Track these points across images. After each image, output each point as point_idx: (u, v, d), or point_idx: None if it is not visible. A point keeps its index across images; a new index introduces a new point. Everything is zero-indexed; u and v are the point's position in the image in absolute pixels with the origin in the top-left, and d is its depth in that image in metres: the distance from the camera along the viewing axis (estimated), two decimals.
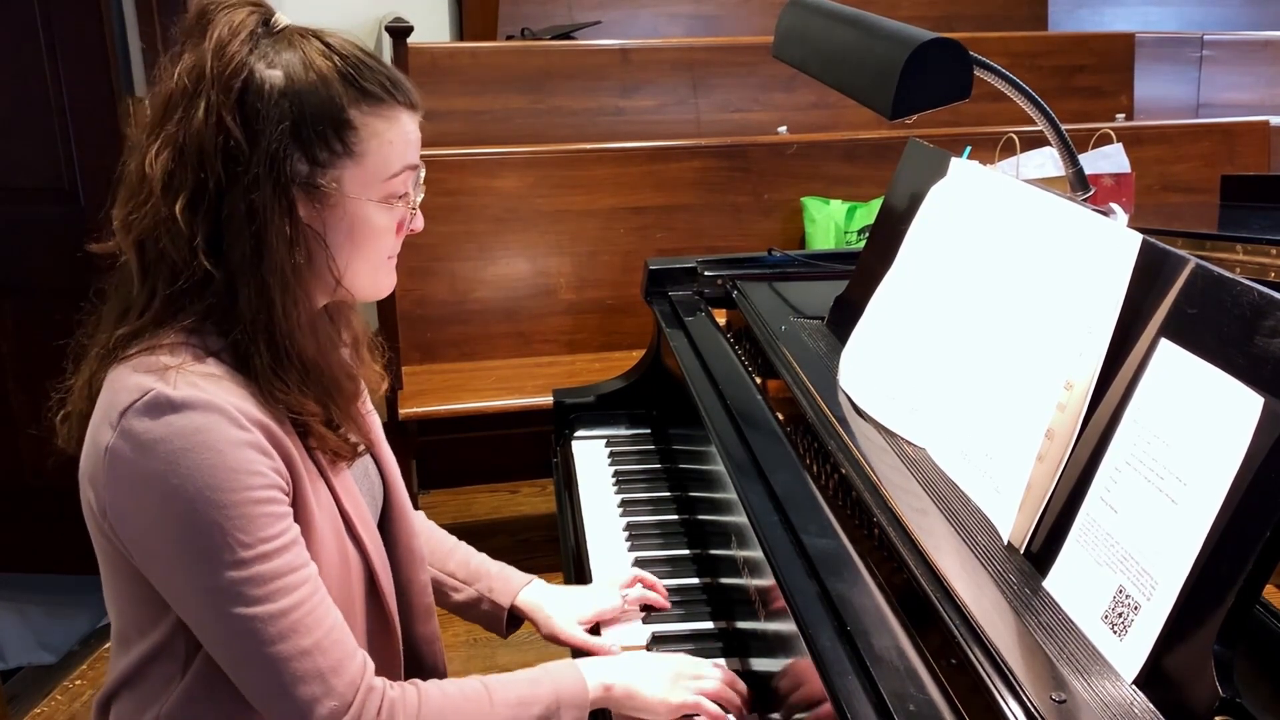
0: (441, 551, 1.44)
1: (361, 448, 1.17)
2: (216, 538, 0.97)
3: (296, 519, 1.05)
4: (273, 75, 1.02)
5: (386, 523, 1.27)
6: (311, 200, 1.05)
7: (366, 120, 1.05)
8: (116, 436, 0.99)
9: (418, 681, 1.11)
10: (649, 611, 1.42)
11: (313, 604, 1.02)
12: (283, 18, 1.08)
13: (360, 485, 1.21)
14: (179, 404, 0.98)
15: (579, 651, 1.36)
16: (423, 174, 1.15)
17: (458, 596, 1.42)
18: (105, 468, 1.00)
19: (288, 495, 1.04)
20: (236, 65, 1.01)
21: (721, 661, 1.26)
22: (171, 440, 0.97)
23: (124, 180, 1.06)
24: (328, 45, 1.06)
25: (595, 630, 1.39)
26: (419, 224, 1.15)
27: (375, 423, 1.30)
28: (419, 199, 1.13)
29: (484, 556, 1.46)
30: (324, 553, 1.09)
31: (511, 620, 1.43)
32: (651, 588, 1.42)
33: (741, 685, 1.22)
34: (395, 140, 1.07)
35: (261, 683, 1.02)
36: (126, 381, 1.01)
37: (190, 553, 0.98)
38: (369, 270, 1.11)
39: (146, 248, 1.04)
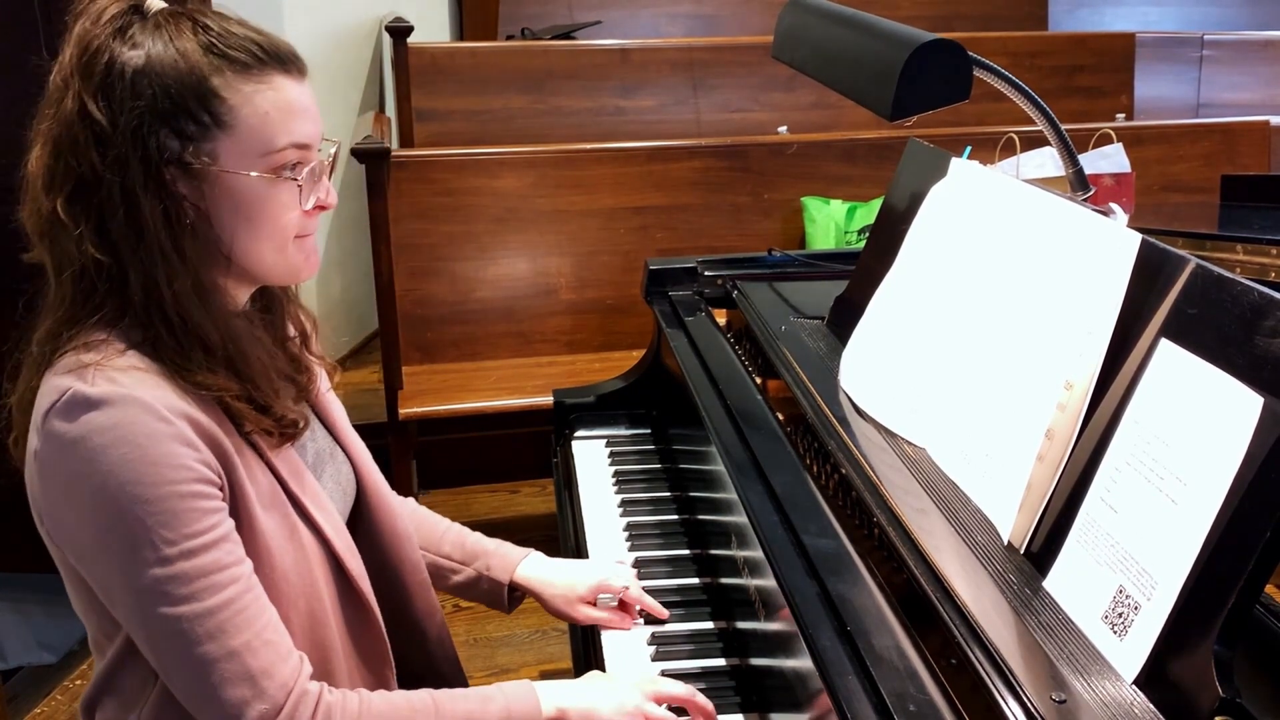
0: (435, 535, 1.43)
1: (302, 424, 1.13)
2: (140, 534, 0.96)
3: (234, 508, 1.04)
4: (133, 56, 1.00)
5: (364, 508, 1.26)
6: (189, 177, 1.02)
7: (234, 87, 1.02)
8: (41, 441, 0.98)
9: (362, 690, 1.09)
10: (651, 622, 1.40)
11: (243, 603, 1.00)
12: (156, 2, 1.05)
13: (326, 471, 1.20)
14: (96, 401, 0.97)
15: (584, 640, 1.35)
16: (334, 150, 1.11)
17: (457, 578, 1.42)
18: (36, 474, 1.00)
19: (220, 488, 1.02)
20: (95, 51, 1.00)
21: (688, 686, 1.20)
22: (90, 438, 0.96)
23: (22, 181, 1.06)
24: (195, 22, 1.03)
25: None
26: (330, 199, 1.10)
27: (339, 411, 1.28)
28: (311, 170, 1.07)
29: (478, 535, 1.46)
30: (273, 539, 1.07)
31: (512, 595, 1.42)
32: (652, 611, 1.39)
33: (706, 705, 1.19)
34: (270, 108, 1.03)
35: (190, 684, 0.99)
36: (49, 384, 1.00)
37: (115, 551, 0.97)
38: (273, 249, 1.07)
39: (47, 246, 1.04)
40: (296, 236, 1.09)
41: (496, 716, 1.11)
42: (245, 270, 1.08)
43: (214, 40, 1.02)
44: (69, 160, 1.00)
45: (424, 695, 1.11)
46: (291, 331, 1.22)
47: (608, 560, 1.46)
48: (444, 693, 1.12)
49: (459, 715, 1.09)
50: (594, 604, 1.38)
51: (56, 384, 0.99)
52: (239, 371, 1.07)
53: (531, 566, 1.42)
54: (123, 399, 0.97)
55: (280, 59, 1.05)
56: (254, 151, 1.03)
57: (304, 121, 1.06)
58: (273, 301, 1.20)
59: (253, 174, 1.04)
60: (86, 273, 1.02)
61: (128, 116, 0.99)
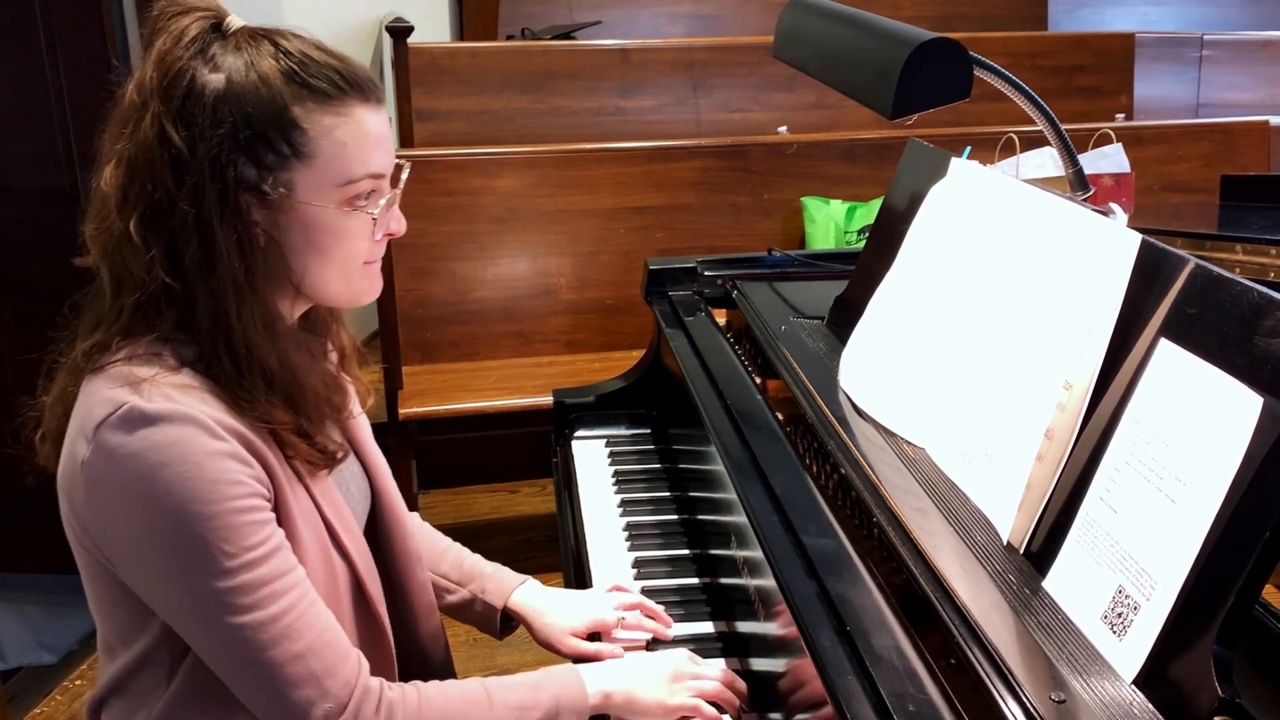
0: (435, 553, 1.43)
1: (341, 455, 1.14)
2: (201, 550, 0.97)
3: (279, 525, 1.05)
4: (214, 79, 1.00)
5: (378, 525, 1.26)
6: (264, 206, 1.02)
7: (314, 118, 1.01)
8: (92, 452, 0.98)
9: (418, 683, 1.11)
10: (654, 643, 1.37)
11: (302, 608, 1.02)
12: (236, 21, 1.04)
13: (348, 488, 1.20)
14: (153, 417, 0.97)
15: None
16: (405, 172, 1.11)
17: (451, 598, 1.41)
18: (83, 484, 0.99)
19: (270, 502, 1.03)
20: (177, 73, 0.99)
21: (720, 662, 1.25)
22: (148, 455, 0.96)
23: (92, 196, 1.05)
24: (276, 45, 1.02)
25: (591, 638, 1.35)
26: (399, 226, 1.10)
27: (364, 427, 1.29)
28: (386, 201, 1.08)
29: (477, 557, 1.45)
30: (308, 561, 1.08)
31: (506, 621, 1.41)
32: (653, 616, 1.37)
33: (741, 684, 1.22)
34: (349, 139, 1.03)
35: (257, 689, 1.01)
36: (100, 394, 0.99)
37: (176, 566, 0.98)
38: (340, 277, 1.08)
39: (113, 263, 1.03)
40: (364, 262, 1.09)
41: (546, 701, 1.12)
42: (310, 296, 1.09)
43: (295, 67, 1.01)
44: (144, 183, 1.00)
45: (476, 684, 1.12)
46: (331, 348, 1.22)
47: (605, 595, 1.40)
48: (494, 681, 1.13)
49: (511, 703, 1.11)
50: (585, 638, 1.34)
51: (110, 396, 0.98)
52: (295, 403, 1.07)
53: (526, 594, 1.40)
54: (180, 416, 0.97)
55: (360, 87, 1.04)
56: (330, 182, 1.03)
57: (380, 152, 1.06)
58: (319, 320, 1.19)
59: (328, 206, 1.03)
60: (152, 295, 1.02)
61: (207, 144, 0.98)
